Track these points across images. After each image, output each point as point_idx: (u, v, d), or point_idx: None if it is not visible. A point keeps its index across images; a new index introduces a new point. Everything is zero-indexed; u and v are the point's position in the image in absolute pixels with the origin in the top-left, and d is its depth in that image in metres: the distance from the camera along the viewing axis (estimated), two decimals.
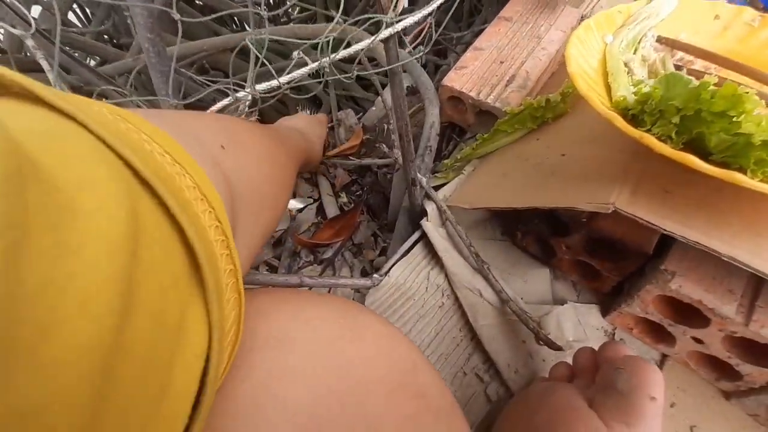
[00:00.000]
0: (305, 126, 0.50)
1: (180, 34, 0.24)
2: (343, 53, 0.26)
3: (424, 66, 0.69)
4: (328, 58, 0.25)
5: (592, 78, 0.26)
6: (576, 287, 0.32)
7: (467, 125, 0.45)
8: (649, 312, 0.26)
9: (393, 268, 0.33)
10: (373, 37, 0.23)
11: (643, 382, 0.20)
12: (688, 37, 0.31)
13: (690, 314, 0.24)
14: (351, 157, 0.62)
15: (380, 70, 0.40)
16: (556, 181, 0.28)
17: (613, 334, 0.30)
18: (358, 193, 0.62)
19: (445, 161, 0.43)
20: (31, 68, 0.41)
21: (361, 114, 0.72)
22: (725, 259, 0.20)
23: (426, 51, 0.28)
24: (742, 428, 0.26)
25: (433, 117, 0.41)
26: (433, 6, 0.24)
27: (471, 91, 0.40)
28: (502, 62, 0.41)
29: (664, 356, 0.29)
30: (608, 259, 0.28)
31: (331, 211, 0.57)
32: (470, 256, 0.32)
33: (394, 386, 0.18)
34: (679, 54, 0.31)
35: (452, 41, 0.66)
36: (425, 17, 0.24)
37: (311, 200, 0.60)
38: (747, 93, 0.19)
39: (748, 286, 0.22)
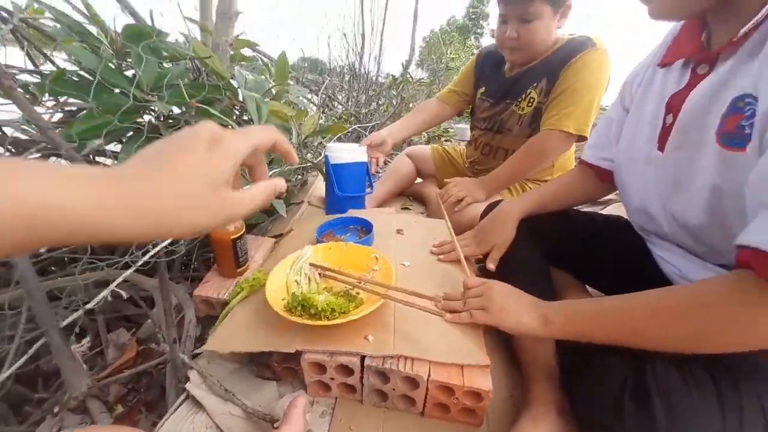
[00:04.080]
0: None
1: None
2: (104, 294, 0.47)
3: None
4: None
5: (276, 291, 0.58)
6: (293, 384, 0.57)
7: (217, 314, 0.69)
8: (313, 376, 0.53)
9: (163, 426, 0.48)
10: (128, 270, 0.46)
11: (294, 402, 0.45)
12: (317, 259, 0.70)
13: (322, 371, 0.53)
14: (125, 371, 0.71)
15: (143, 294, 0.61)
16: (269, 334, 0.55)
17: (312, 403, 0.55)
18: (135, 399, 0.69)
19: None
20: None
21: (134, 329, 0.83)
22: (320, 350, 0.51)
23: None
24: (374, 414, 0.54)
25: (190, 316, 0.63)
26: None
27: (215, 295, 0.66)
28: None
29: (336, 399, 0.55)
30: (295, 363, 0.55)
31: (106, 423, 0.61)
32: (221, 392, 0.52)
33: None
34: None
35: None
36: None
37: (84, 423, 0.62)
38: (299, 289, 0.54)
39: (329, 353, 0.54)
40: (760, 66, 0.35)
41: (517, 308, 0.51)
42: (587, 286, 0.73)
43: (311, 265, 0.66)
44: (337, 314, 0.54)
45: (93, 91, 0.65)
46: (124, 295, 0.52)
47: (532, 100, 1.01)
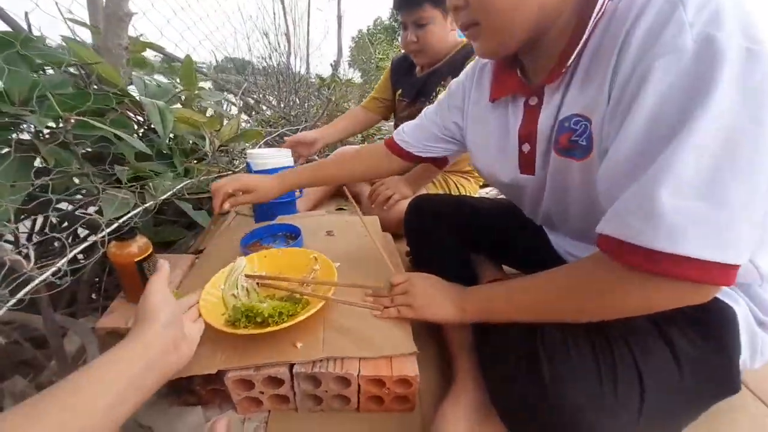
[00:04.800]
0: None
1: None
2: None
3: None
4: None
5: (211, 310, 0.53)
6: (220, 406, 0.54)
7: None
8: (240, 393, 0.51)
9: None
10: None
11: (213, 426, 0.42)
12: (252, 271, 0.65)
13: (250, 387, 0.51)
14: None
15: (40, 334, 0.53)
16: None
17: (243, 420, 0.53)
18: None
19: None
20: None
21: (32, 374, 0.72)
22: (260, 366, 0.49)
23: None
24: (310, 420, 0.53)
25: (92, 352, 0.57)
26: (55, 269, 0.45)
27: (123, 324, 0.60)
28: None
29: (269, 412, 0.54)
30: (220, 383, 0.52)
31: None
32: (136, 430, 0.47)
33: None
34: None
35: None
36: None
37: None
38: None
39: (255, 367, 0.52)
40: (582, 91, 0.41)
41: (436, 301, 0.54)
42: (503, 266, 0.80)
43: (247, 276, 0.62)
44: (285, 318, 0.52)
45: None
46: (1, 340, 0.44)
47: None
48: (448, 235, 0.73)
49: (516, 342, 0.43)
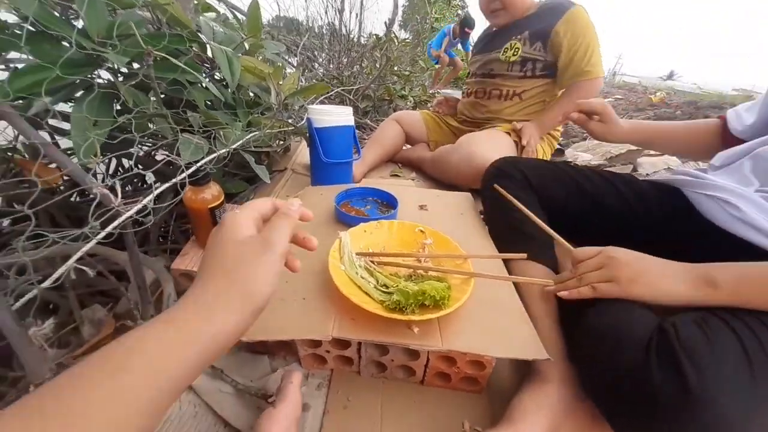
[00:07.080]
0: None
1: None
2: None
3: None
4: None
5: (355, 295, 0.49)
6: (285, 358, 0.54)
7: None
8: (307, 350, 0.50)
9: None
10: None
11: (289, 377, 0.42)
12: (358, 246, 0.60)
13: (317, 345, 0.50)
14: None
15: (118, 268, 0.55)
16: (304, 315, 0.49)
17: (307, 375, 0.53)
18: None
19: None
20: None
21: (111, 304, 0.78)
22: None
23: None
24: (372, 385, 0.52)
25: (169, 290, 0.58)
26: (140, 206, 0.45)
27: (195, 267, 0.61)
28: None
29: (332, 371, 0.53)
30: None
31: None
32: (208, 369, 0.48)
33: None
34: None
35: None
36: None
37: None
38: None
39: None
40: None
41: (654, 275, 0.45)
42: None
43: (357, 254, 0.57)
44: (447, 301, 0.48)
45: (25, 38, 0.54)
46: (90, 272, 0.46)
47: (516, 49, 1.12)
48: (537, 210, 0.64)
49: (636, 332, 0.37)
